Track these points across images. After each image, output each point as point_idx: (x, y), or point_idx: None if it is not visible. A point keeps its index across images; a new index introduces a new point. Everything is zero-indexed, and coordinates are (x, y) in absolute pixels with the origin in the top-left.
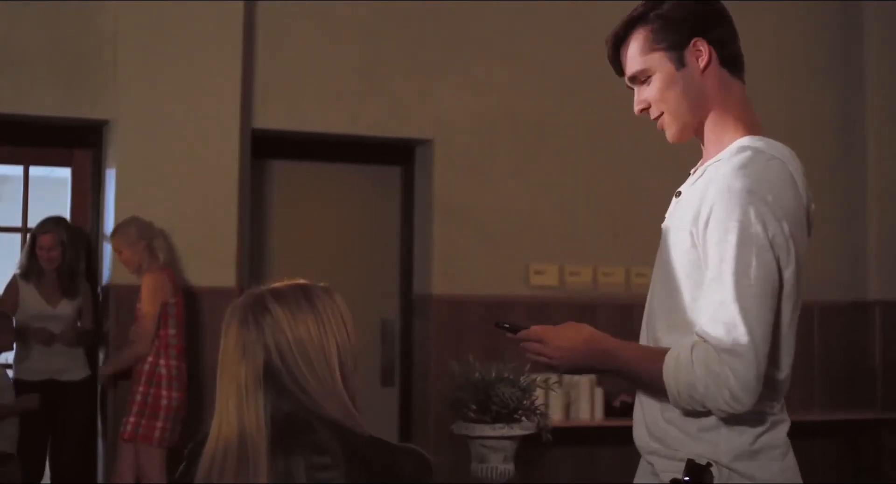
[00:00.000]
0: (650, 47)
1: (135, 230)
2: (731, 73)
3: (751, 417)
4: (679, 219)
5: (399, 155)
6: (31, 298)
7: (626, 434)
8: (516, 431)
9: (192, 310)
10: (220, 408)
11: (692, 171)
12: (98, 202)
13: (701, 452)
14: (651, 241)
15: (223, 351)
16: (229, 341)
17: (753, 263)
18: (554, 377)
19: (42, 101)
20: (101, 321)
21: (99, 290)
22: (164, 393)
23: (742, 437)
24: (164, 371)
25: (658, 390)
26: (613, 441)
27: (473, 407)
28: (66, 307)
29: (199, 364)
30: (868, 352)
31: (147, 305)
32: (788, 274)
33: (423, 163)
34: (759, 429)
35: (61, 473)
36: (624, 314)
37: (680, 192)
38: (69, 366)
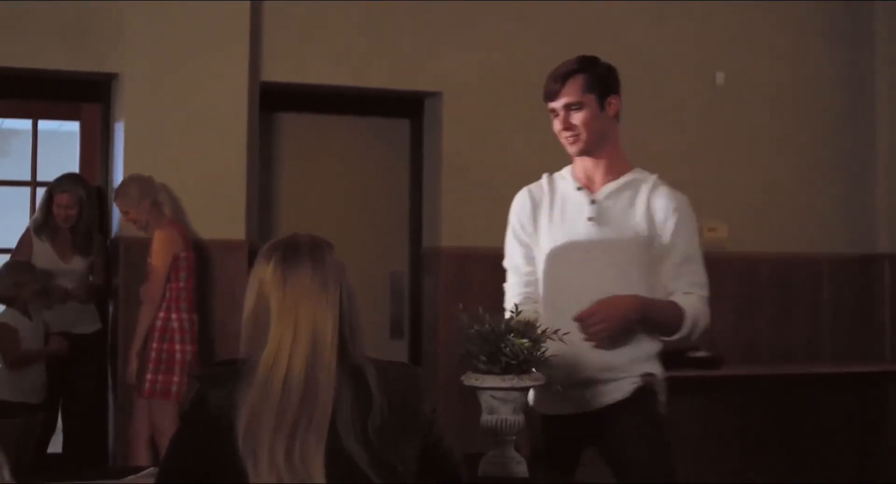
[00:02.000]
0: (587, 89)
1: (136, 190)
2: (618, 122)
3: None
4: (621, 219)
5: (408, 108)
6: (45, 253)
7: None
8: (526, 382)
9: (202, 263)
10: (282, 343)
11: (579, 186)
12: (107, 156)
13: (649, 369)
14: None
15: (286, 286)
16: (303, 282)
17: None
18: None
19: (50, 55)
20: (111, 277)
21: (108, 243)
22: (177, 347)
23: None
24: (176, 325)
25: (668, 330)
26: None
27: (483, 359)
28: (78, 263)
29: (209, 317)
30: (877, 305)
31: (157, 260)
32: None
33: (431, 116)
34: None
35: (73, 425)
36: None
37: (595, 201)
38: (82, 319)
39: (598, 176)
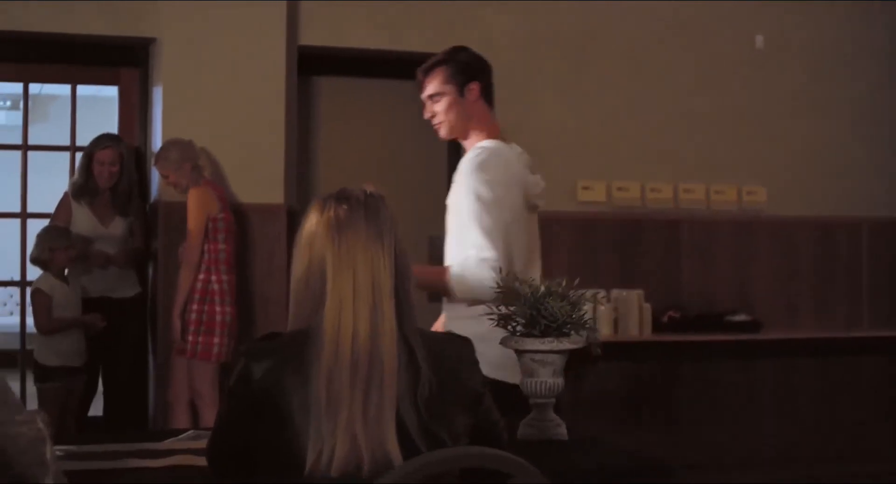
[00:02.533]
0: (447, 80)
1: (176, 153)
2: (486, 102)
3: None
4: (455, 195)
5: None
6: (84, 218)
7: (674, 350)
8: (565, 345)
9: (240, 227)
10: (343, 297)
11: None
12: (145, 120)
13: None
14: (698, 157)
15: (341, 237)
16: (358, 233)
17: (483, 214)
18: (602, 292)
19: (89, 20)
20: (150, 241)
21: (147, 208)
22: (217, 308)
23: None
24: (216, 286)
25: (444, 292)
26: (661, 356)
27: (522, 321)
28: (118, 227)
29: (248, 280)
30: None
31: (192, 220)
32: (507, 216)
33: None
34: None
35: (114, 388)
36: (671, 230)
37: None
38: (122, 284)
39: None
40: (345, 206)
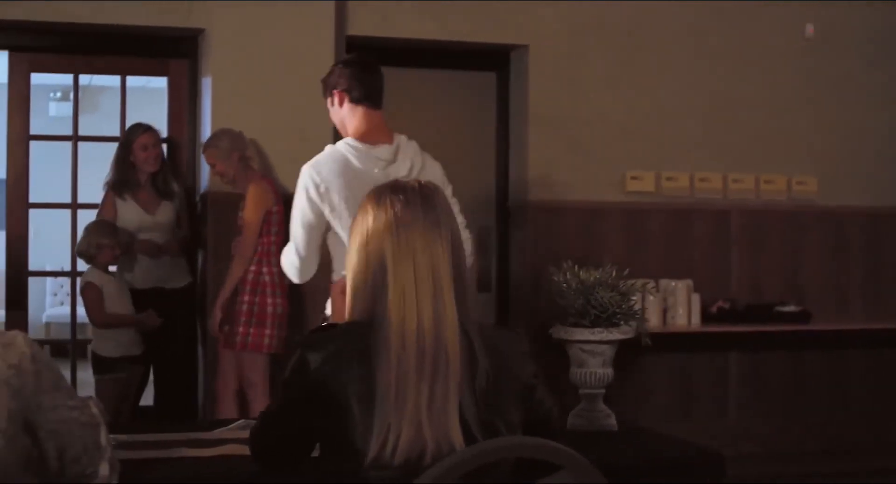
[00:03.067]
0: (325, 93)
1: (226, 143)
2: (361, 103)
3: None
4: None
5: (494, 61)
6: (130, 210)
7: (723, 340)
8: (615, 335)
9: (288, 218)
10: (406, 287)
11: None
12: (194, 111)
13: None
14: (748, 146)
15: (399, 227)
16: (416, 223)
17: (297, 218)
18: (651, 282)
19: (138, 11)
20: (197, 228)
21: (197, 198)
22: (269, 300)
23: None
24: (267, 278)
25: None
26: (710, 347)
27: (572, 311)
28: (164, 213)
29: None
30: None
31: (250, 214)
32: (327, 214)
33: (518, 69)
34: None
35: (165, 378)
36: (720, 220)
37: None
38: (173, 274)
39: None
40: (401, 197)
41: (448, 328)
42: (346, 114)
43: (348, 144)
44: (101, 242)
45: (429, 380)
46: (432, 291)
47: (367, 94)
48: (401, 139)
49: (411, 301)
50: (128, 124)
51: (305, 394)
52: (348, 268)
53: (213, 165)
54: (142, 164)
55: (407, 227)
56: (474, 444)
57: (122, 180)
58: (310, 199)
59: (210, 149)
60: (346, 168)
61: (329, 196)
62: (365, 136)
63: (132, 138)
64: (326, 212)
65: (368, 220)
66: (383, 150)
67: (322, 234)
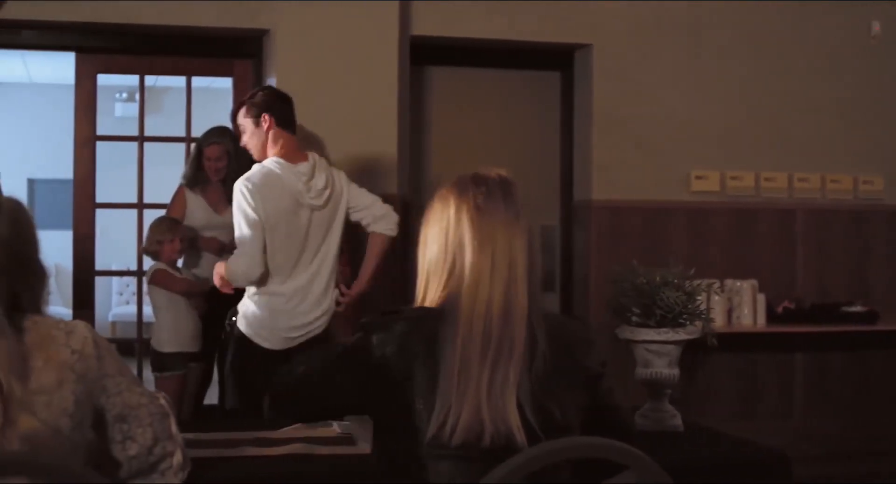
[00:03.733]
0: (246, 114)
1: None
2: (283, 128)
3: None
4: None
5: (558, 60)
6: (198, 208)
7: (788, 341)
8: (681, 335)
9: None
10: (482, 274)
11: None
12: None
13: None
14: (814, 145)
15: (481, 217)
16: (497, 214)
17: (242, 223)
18: (716, 282)
19: (203, 13)
20: None
21: None
22: None
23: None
24: None
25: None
26: (775, 347)
27: (637, 312)
28: (231, 216)
29: (358, 270)
30: None
31: None
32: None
33: (582, 68)
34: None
35: None
36: (785, 219)
37: None
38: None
39: None
40: (483, 189)
41: (517, 317)
42: (270, 137)
43: (277, 162)
44: (160, 238)
45: (491, 366)
46: (506, 281)
47: (289, 121)
48: (314, 157)
49: (485, 289)
50: (193, 125)
51: (364, 375)
52: (422, 254)
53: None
54: (208, 170)
55: (488, 217)
56: (528, 428)
57: (193, 176)
58: (254, 210)
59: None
60: (276, 181)
61: (263, 205)
62: (287, 156)
63: (202, 145)
64: (262, 217)
65: (450, 209)
66: (303, 167)
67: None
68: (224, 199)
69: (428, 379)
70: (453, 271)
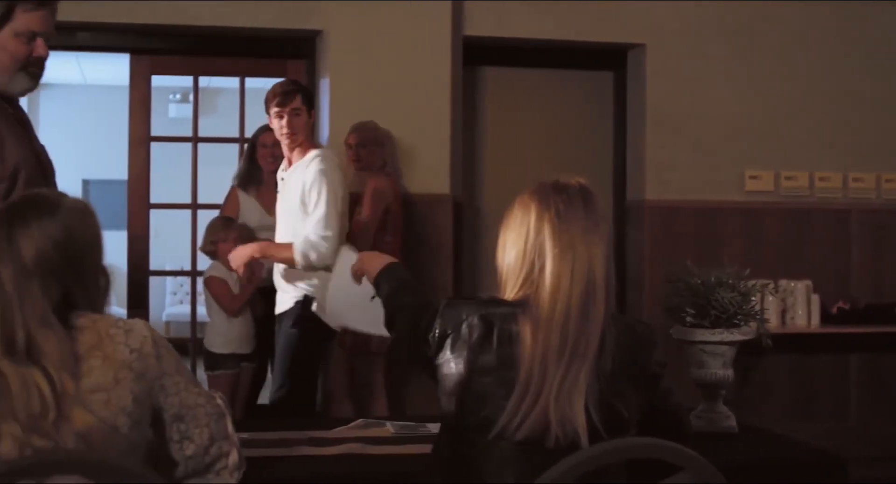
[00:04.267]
0: (304, 101)
1: (382, 134)
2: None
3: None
4: (291, 190)
5: (611, 60)
6: (252, 208)
7: (843, 341)
8: (736, 336)
9: (408, 217)
10: (561, 279)
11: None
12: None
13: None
14: (869, 145)
15: (562, 224)
16: (577, 222)
17: (338, 200)
18: (770, 283)
19: (257, 14)
20: None
21: None
22: None
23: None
24: None
25: (289, 262)
26: (830, 349)
27: (691, 312)
28: None
29: (414, 270)
30: None
31: (368, 210)
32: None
33: (635, 68)
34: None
35: None
36: (840, 219)
37: (283, 178)
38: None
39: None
40: (564, 196)
41: (595, 321)
42: (310, 127)
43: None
44: (214, 239)
45: (564, 368)
46: (585, 287)
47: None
48: None
49: (564, 296)
50: (246, 126)
51: (434, 336)
52: (501, 258)
53: (357, 147)
54: (262, 160)
55: (568, 225)
56: (591, 425)
57: (245, 175)
58: (340, 185)
59: (367, 130)
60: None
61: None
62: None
63: (257, 137)
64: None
65: (531, 216)
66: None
67: None
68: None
69: (500, 370)
70: (530, 276)
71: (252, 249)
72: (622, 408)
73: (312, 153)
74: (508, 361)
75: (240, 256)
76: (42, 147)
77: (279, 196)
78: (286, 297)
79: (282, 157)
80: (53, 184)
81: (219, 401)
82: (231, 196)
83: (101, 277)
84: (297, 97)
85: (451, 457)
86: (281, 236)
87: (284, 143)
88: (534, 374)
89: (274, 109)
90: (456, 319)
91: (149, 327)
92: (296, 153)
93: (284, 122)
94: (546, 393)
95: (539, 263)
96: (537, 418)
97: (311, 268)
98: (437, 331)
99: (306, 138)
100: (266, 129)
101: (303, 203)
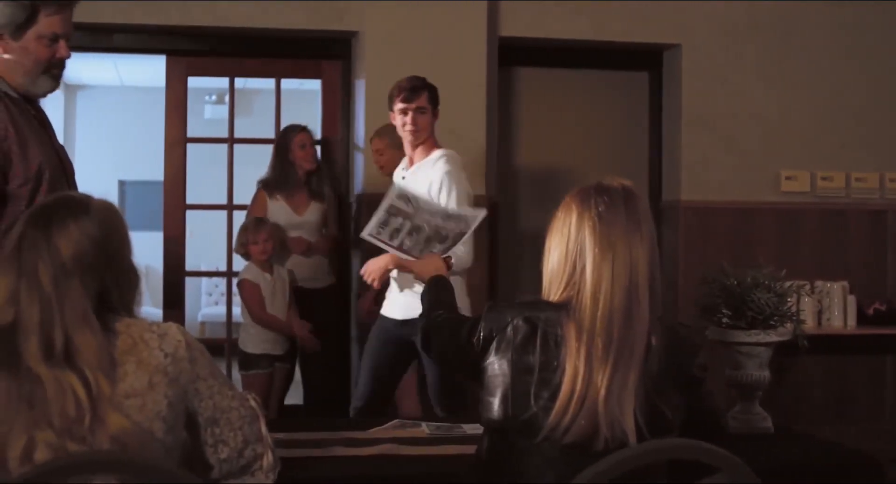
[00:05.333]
0: (429, 100)
1: (398, 137)
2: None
3: None
4: (416, 189)
5: (646, 60)
6: (279, 209)
7: (879, 343)
8: (772, 337)
9: None
10: (602, 280)
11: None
12: (348, 113)
13: None
14: None
15: (602, 225)
16: (619, 223)
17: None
18: (806, 284)
19: (292, 15)
20: (346, 227)
21: (352, 199)
22: None
23: None
24: None
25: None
26: (866, 350)
27: (727, 313)
28: (312, 214)
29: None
30: None
31: None
32: None
33: (670, 68)
34: None
35: (312, 377)
36: (877, 220)
37: (404, 177)
38: (318, 274)
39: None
40: (605, 198)
41: (639, 323)
42: (432, 124)
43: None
44: (244, 240)
45: (611, 370)
46: (627, 289)
47: None
48: None
49: (606, 297)
50: (282, 127)
51: (478, 340)
52: (546, 261)
53: (381, 153)
54: (300, 161)
55: (610, 227)
56: (638, 427)
57: (278, 179)
58: (469, 192)
59: (384, 136)
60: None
61: None
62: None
63: (290, 137)
64: None
65: (573, 217)
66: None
67: None
68: (306, 198)
69: (542, 372)
70: (572, 278)
71: (385, 261)
72: (666, 409)
73: (437, 153)
74: (552, 364)
75: (374, 270)
76: (61, 147)
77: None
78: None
79: (314, 156)
80: (73, 184)
81: (252, 403)
82: (257, 199)
83: (133, 276)
84: (424, 95)
85: (494, 458)
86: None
87: (407, 140)
88: (579, 376)
89: (399, 105)
90: (501, 321)
91: (182, 331)
92: (418, 152)
93: (409, 118)
94: (593, 395)
95: (580, 264)
96: (586, 421)
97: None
98: (481, 334)
99: (429, 137)
100: (300, 130)
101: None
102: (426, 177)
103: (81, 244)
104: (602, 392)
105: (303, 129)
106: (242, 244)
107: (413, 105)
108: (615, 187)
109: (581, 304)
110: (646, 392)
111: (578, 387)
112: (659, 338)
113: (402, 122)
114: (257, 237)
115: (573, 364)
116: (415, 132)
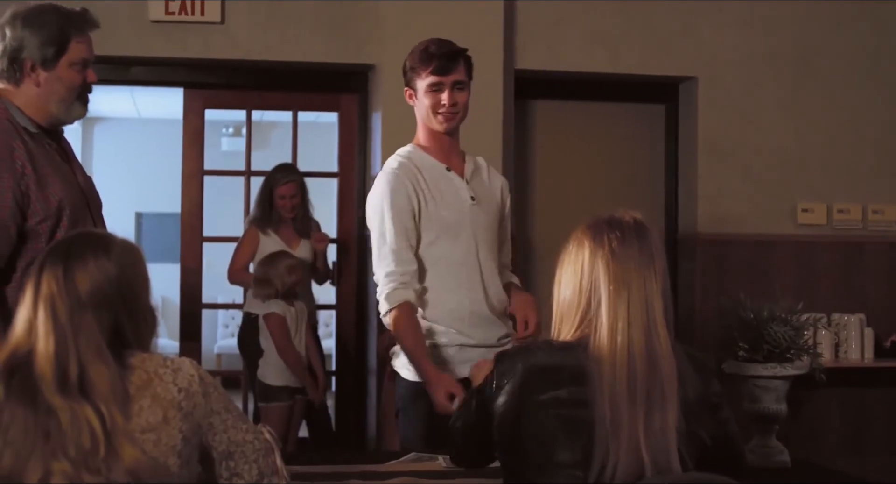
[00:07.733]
0: (467, 74)
1: None
2: None
3: None
4: (484, 196)
5: (663, 93)
6: (272, 244)
7: None
8: (789, 370)
9: None
10: (619, 317)
11: (447, 167)
12: (364, 146)
13: None
14: None
15: (615, 260)
16: (632, 258)
17: None
18: (823, 316)
19: (309, 48)
20: (335, 261)
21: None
22: None
23: None
24: None
25: None
26: (884, 383)
27: (744, 346)
28: (304, 249)
29: None
30: None
31: None
32: None
33: (686, 100)
34: None
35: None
36: (894, 252)
37: (468, 182)
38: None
39: (453, 156)
40: (617, 232)
41: (662, 357)
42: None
43: None
44: (271, 275)
45: (643, 408)
46: (645, 323)
47: None
48: None
49: (624, 333)
50: (299, 159)
51: (494, 404)
52: (557, 295)
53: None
54: (280, 209)
55: (624, 263)
56: (680, 457)
57: (264, 216)
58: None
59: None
60: None
61: None
62: None
63: (275, 182)
64: None
65: (585, 253)
66: None
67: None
68: (296, 235)
69: (573, 415)
70: (587, 315)
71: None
72: (704, 436)
73: (479, 158)
74: (568, 402)
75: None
76: (88, 178)
77: (441, 201)
78: None
79: (299, 205)
80: (99, 216)
81: (267, 436)
82: (248, 236)
83: (149, 315)
84: (461, 65)
85: None
86: (490, 268)
87: (441, 127)
88: (606, 415)
89: (429, 79)
90: (511, 367)
91: (196, 366)
92: (453, 145)
93: (445, 96)
94: (632, 435)
95: (595, 301)
96: (631, 462)
97: None
98: (494, 384)
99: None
100: (282, 181)
101: (502, 215)
102: (496, 183)
103: (99, 282)
104: (640, 431)
105: (287, 182)
106: (266, 281)
107: (451, 78)
108: (627, 221)
109: (598, 342)
110: (686, 421)
111: (612, 428)
112: (684, 363)
113: (433, 100)
114: (298, 277)
115: (599, 404)
116: (454, 115)
